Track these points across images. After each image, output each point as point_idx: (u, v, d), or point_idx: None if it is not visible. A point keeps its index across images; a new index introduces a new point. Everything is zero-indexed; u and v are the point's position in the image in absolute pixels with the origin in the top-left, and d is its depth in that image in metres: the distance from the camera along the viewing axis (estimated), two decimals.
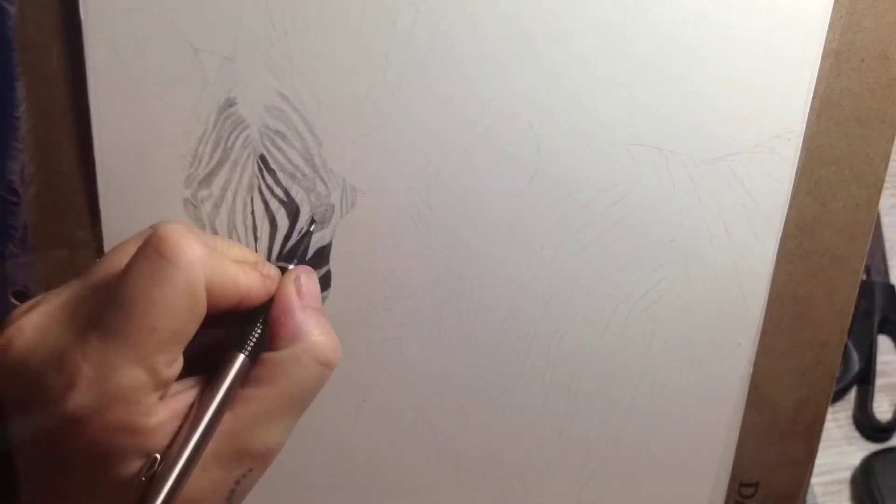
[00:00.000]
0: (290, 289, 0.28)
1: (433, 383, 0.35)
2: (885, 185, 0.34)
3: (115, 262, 0.26)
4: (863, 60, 0.32)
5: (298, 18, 0.30)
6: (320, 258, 0.33)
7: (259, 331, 0.28)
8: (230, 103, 0.31)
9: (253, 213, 0.32)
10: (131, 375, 0.23)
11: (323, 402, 0.35)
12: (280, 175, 0.32)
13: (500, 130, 0.32)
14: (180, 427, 0.25)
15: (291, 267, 0.30)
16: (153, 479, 0.24)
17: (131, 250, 0.25)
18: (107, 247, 0.32)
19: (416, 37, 0.31)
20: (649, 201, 0.33)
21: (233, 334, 0.28)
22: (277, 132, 0.31)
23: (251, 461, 0.26)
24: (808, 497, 0.41)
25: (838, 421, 0.50)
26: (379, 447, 0.36)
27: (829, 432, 0.50)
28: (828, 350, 0.36)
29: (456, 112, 0.32)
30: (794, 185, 0.33)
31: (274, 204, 0.32)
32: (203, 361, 0.27)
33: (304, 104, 0.31)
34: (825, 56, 0.32)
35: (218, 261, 0.26)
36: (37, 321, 0.25)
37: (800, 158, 0.33)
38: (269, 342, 0.28)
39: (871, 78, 0.32)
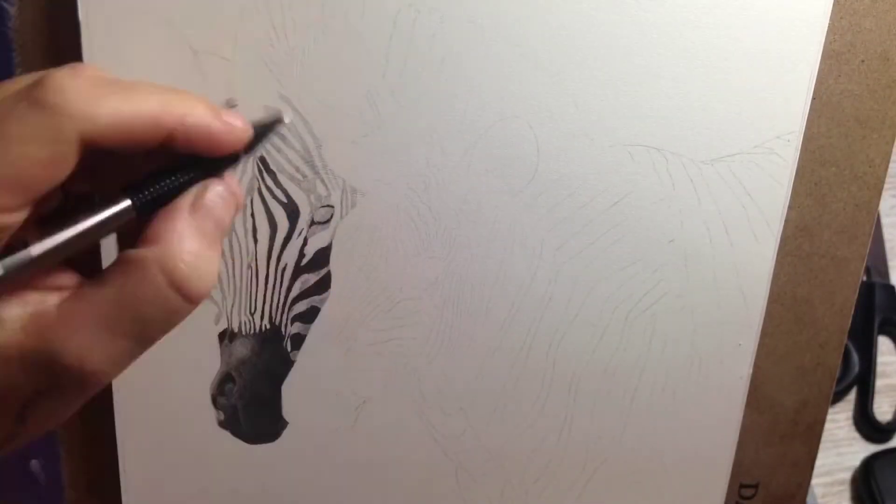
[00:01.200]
0: (191, 191, 0.23)
1: (433, 384, 0.35)
2: (885, 185, 0.34)
3: None
4: (863, 61, 0.32)
5: (298, 19, 0.30)
6: (320, 259, 0.33)
7: (177, 181, 0.23)
8: (230, 104, 0.31)
9: (253, 214, 0.32)
10: None
11: (323, 402, 0.35)
12: (280, 176, 0.32)
13: (499, 131, 0.32)
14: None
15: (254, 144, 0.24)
16: None
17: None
18: (104, 259, 0.32)
19: (416, 38, 0.31)
20: (649, 202, 0.33)
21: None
22: (277, 133, 0.31)
23: (57, 373, 0.21)
24: (809, 497, 0.40)
25: (838, 422, 0.50)
26: (379, 447, 0.36)
27: (830, 433, 0.50)
28: (828, 351, 0.36)
29: (456, 113, 0.32)
30: (793, 187, 0.33)
31: (274, 205, 0.32)
32: None
33: (304, 105, 0.31)
34: (825, 57, 0.32)
35: (122, 97, 0.21)
36: None
37: (799, 159, 0.33)
38: (140, 237, 0.22)
39: (871, 79, 0.32)
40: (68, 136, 0.20)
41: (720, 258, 0.34)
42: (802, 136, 0.32)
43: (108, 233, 0.22)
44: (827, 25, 0.31)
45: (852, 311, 0.36)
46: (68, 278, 0.22)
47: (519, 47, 0.31)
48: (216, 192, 0.23)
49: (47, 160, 0.20)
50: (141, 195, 0.22)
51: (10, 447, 0.22)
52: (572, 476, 0.37)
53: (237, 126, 0.23)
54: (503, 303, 0.34)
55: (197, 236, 0.22)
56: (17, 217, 0.20)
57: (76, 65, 0.22)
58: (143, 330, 0.22)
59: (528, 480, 0.37)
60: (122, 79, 0.23)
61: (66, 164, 0.21)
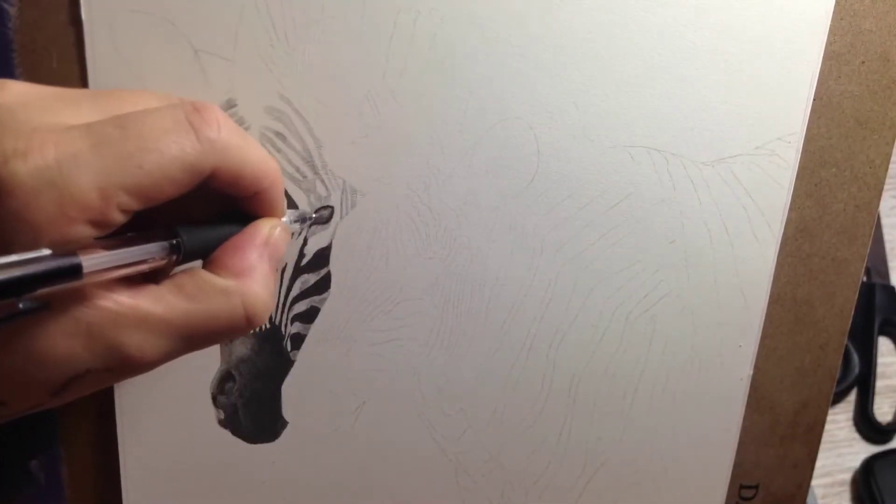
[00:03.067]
0: (264, 228, 0.26)
1: (433, 384, 0.35)
2: (885, 186, 0.34)
3: (129, 97, 0.24)
4: (863, 62, 0.32)
5: (299, 20, 0.30)
6: (320, 260, 0.33)
7: (219, 234, 0.25)
8: (230, 104, 0.31)
9: None
10: (84, 184, 0.21)
11: (322, 402, 0.35)
12: None
13: (500, 132, 0.32)
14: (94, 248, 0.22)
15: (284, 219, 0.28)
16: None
17: (150, 101, 0.24)
18: None
19: (416, 38, 0.31)
20: (650, 203, 0.33)
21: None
22: (277, 133, 0.31)
23: (114, 360, 0.23)
24: (809, 498, 0.40)
25: (839, 423, 0.50)
26: (378, 448, 0.36)
27: (830, 434, 0.50)
28: (828, 352, 0.36)
29: (456, 114, 0.32)
30: (794, 188, 0.33)
31: None
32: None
33: (305, 105, 0.31)
34: (826, 58, 0.32)
35: (247, 143, 0.24)
36: (26, 90, 0.23)
37: (800, 160, 0.33)
38: (211, 264, 0.25)
39: (871, 80, 0.32)
40: (204, 169, 0.23)
41: (721, 259, 0.34)
42: (803, 137, 0.32)
43: (151, 267, 0.24)
44: (828, 27, 0.31)
45: (852, 312, 0.36)
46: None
47: (519, 48, 0.31)
48: (281, 230, 0.27)
49: (180, 182, 0.23)
50: (183, 236, 0.25)
51: (24, 413, 0.23)
52: (572, 477, 0.37)
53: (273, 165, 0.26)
54: (503, 304, 0.34)
55: (270, 273, 0.26)
56: (125, 219, 0.23)
57: (213, 106, 0.24)
58: (203, 341, 0.25)
59: (528, 481, 0.37)
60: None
61: (185, 189, 0.23)
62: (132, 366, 0.23)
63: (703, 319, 0.35)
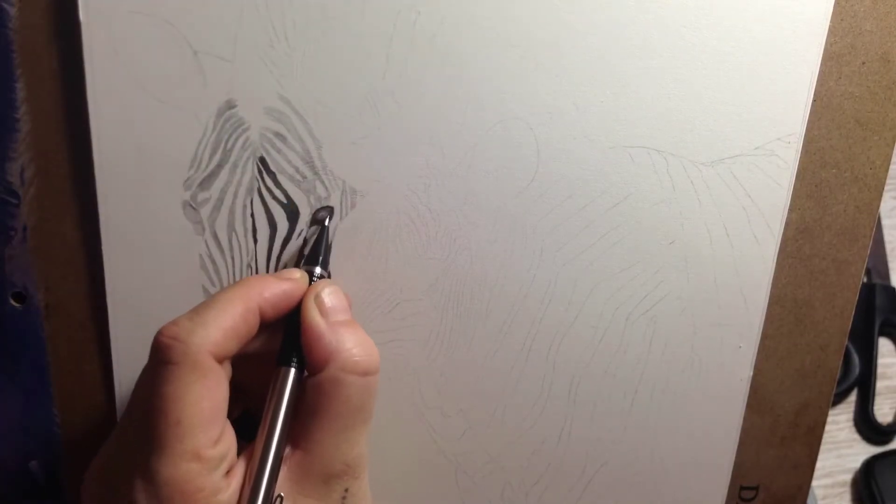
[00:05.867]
0: (313, 311, 0.29)
1: (433, 385, 0.35)
2: (886, 187, 0.34)
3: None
4: (864, 63, 0.32)
5: (298, 20, 0.30)
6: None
7: (294, 345, 0.29)
8: (230, 105, 0.31)
9: (252, 215, 0.32)
10: (179, 471, 0.24)
11: None
12: (280, 177, 0.32)
13: (500, 132, 0.32)
14: (245, 475, 0.26)
15: (315, 278, 0.31)
16: None
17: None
18: (105, 248, 0.32)
19: (416, 39, 0.31)
20: (649, 203, 0.33)
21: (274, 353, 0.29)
22: (277, 134, 0.31)
23: (340, 481, 0.28)
24: (809, 499, 0.40)
25: (839, 423, 0.50)
26: (379, 448, 0.36)
27: (830, 435, 0.50)
28: (828, 353, 0.36)
29: (456, 114, 0.32)
30: (794, 189, 0.33)
31: (273, 206, 0.32)
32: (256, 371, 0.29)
33: (304, 106, 0.31)
34: (826, 59, 0.32)
35: (217, 330, 0.26)
36: (93, 465, 0.28)
37: (800, 161, 0.33)
38: (308, 366, 0.28)
39: (871, 81, 0.32)
40: (208, 371, 0.26)
41: (721, 260, 0.34)
42: (803, 138, 0.32)
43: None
44: (828, 27, 0.31)
45: (853, 314, 0.36)
46: None
47: (519, 48, 0.31)
48: (327, 293, 0.29)
49: (201, 394, 0.26)
50: (292, 361, 0.29)
51: None
52: (572, 478, 0.37)
53: (296, 276, 0.30)
54: (503, 304, 0.34)
55: (345, 331, 0.28)
56: (227, 442, 0.27)
57: (171, 325, 0.27)
58: (363, 413, 0.28)
59: (528, 482, 0.37)
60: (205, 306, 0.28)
61: (217, 391, 0.26)
62: (356, 472, 0.29)
63: (703, 320, 0.35)
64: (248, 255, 0.33)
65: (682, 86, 0.32)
